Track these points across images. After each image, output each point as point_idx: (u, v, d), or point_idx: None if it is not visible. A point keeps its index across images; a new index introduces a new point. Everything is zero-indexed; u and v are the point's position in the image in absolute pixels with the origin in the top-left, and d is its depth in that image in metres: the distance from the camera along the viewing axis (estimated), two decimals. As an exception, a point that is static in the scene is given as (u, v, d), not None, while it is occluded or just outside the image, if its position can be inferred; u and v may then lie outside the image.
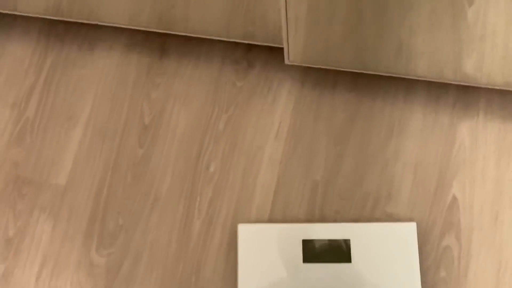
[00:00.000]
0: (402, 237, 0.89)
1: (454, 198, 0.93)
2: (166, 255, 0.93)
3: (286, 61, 0.93)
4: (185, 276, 0.91)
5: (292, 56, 0.91)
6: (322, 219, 0.93)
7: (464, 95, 0.98)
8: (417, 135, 0.96)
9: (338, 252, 0.89)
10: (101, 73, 1.02)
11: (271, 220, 0.94)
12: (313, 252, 0.90)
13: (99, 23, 0.96)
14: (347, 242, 0.89)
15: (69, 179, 0.97)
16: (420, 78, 0.96)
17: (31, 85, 1.02)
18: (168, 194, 0.96)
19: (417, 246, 0.89)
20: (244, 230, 0.91)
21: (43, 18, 1.00)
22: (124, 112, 1.00)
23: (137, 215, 0.95)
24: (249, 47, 1.01)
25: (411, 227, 0.90)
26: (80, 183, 0.97)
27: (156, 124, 0.99)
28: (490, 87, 0.93)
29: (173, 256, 0.92)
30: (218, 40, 0.98)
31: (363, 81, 0.99)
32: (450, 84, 0.96)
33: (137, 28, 0.98)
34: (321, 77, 1.00)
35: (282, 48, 0.91)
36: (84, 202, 0.96)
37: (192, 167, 0.96)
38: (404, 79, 0.96)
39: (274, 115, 0.98)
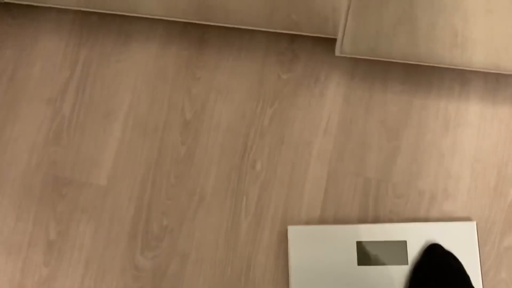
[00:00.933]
0: (461, 237, 0.85)
1: (516, 196, 0.88)
2: (214, 256, 0.89)
3: (337, 53, 0.87)
4: (234, 277, 0.88)
5: (344, 47, 0.86)
6: (376, 219, 0.89)
7: (525, 85, 0.92)
8: (474, 129, 0.91)
9: (394, 254, 0.85)
10: (139, 67, 0.97)
11: (322, 220, 0.89)
12: (368, 254, 0.86)
13: (134, 15, 0.91)
14: (403, 244, 0.85)
15: (110, 179, 0.93)
16: (476, 69, 0.91)
17: (66, 80, 0.97)
18: (213, 193, 0.92)
19: (477, 246, 0.85)
20: (295, 232, 0.87)
21: (76, 10, 0.95)
22: (164, 107, 0.95)
23: (182, 215, 0.92)
24: (293, 38, 0.95)
25: (471, 226, 0.86)
26: (122, 183, 0.93)
27: (198, 119, 0.94)
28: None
29: (221, 257, 0.89)
30: (260, 30, 0.93)
31: (416, 72, 0.93)
32: (509, 75, 0.90)
33: (174, 19, 0.92)
34: (371, 69, 0.94)
35: (327, 39, 0.85)
36: (127, 203, 0.92)
37: (237, 165, 0.92)
38: (459, 70, 0.90)
39: (322, 109, 0.93)
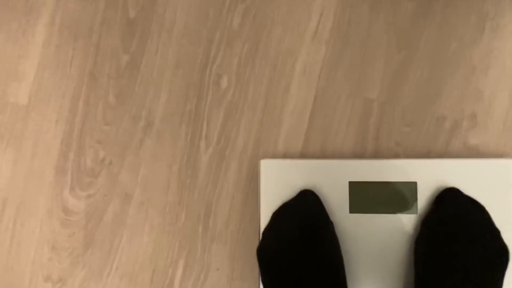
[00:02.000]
0: (490, 180, 0.62)
1: None
2: (164, 199, 0.68)
3: None
4: (188, 226, 0.68)
5: None
6: (377, 154, 0.66)
7: None
8: (518, 35, 0.66)
9: (400, 199, 0.64)
10: None
11: (305, 154, 0.67)
12: (364, 199, 0.64)
13: None
14: (412, 186, 0.63)
15: (31, 97, 0.71)
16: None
17: (-26, -34, 0.73)
18: (164, 117, 0.69)
19: (513, 192, 0.62)
20: (269, 168, 0.66)
21: None
22: (100, 1, 0.71)
23: (124, 145, 0.70)
24: None
25: (505, 165, 0.63)
26: (47, 102, 0.71)
27: (145, 19, 0.70)
28: None
29: (173, 200, 0.68)
30: None
31: (443, -46, 0.67)
32: None
33: None
34: (381, -51, 0.68)
35: None
36: (53, 127, 0.71)
37: (197, 81, 0.69)
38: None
39: (311, 5, 0.68)
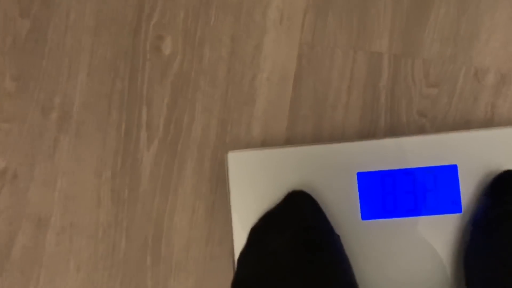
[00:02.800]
0: None
1: None
2: (94, 220, 0.47)
3: None
4: (133, 253, 0.46)
5: None
6: (395, 131, 0.46)
7: None
8: None
9: (434, 193, 0.43)
10: None
11: (292, 140, 0.46)
12: (382, 198, 0.43)
13: None
14: (450, 172, 0.43)
15: None
16: None
17: None
18: (86, 103, 0.48)
19: None
20: (240, 163, 0.45)
21: None
22: None
23: (32, 150, 0.48)
24: None
25: None
26: None
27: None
28: None
29: (106, 219, 0.47)
30: None
31: None
32: None
33: None
34: None
35: None
36: None
37: (128, 48, 0.48)
38: None
39: None
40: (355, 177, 0.44)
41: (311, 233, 0.41)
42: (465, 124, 0.45)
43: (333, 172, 0.44)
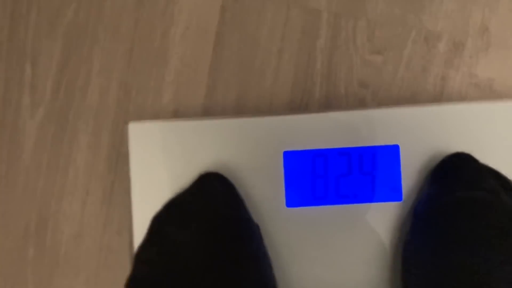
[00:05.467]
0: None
1: None
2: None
3: None
4: (10, 244, 0.37)
5: None
6: (330, 103, 0.38)
7: None
8: None
9: (371, 177, 0.37)
10: None
11: (210, 111, 0.38)
12: (311, 181, 0.36)
13: None
14: (391, 153, 0.36)
15: None
16: None
17: None
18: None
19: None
20: (144, 136, 0.37)
21: None
22: None
23: None
24: None
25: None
26: None
27: None
28: None
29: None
30: None
31: None
32: None
33: None
34: None
35: None
36: None
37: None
38: None
39: None
40: (281, 156, 0.37)
41: (225, 224, 0.34)
42: (411, 98, 0.39)
43: (255, 151, 0.37)
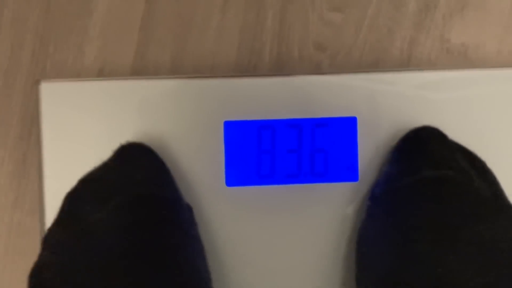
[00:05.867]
0: (492, 107, 0.32)
1: None
2: None
3: None
4: None
5: None
6: (281, 67, 0.33)
7: None
8: None
9: (323, 154, 0.31)
10: None
11: (140, 71, 0.32)
12: (256, 157, 0.31)
13: None
14: (348, 126, 0.31)
15: None
16: None
17: None
18: None
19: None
20: (59, 98, 0.31)
21: None
22: None
23: None
24: None
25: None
26: None
27: None
28: None
29: None
30: None
31: None
32: None
33: None
34: None
35: None
36: None
37: None
38: None
39: None
40: (221, 127, 0.32)
41: (148, 204, 0.29)
42: (373, 64, 0.34)
43: (191, 119, 0.32)
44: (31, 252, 0.33)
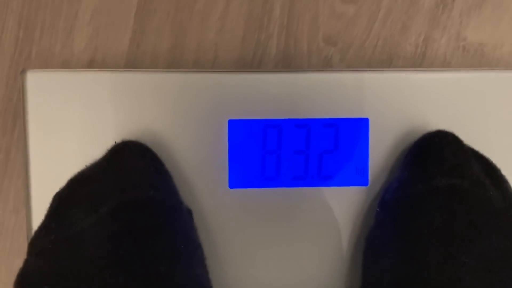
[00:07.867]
0: (506, 109, 0.30)
1: None
2: None
3: None
4: None
5: None
6: (288, 63, 0.31)
7: None
8: None
9: (333, 157, 0.29)
10: None
11: (136, 63, 0.30)
12: (261, 158, 0.29)
13: None
14: (359, 128, 0.29)
15: None
16: None
17: None
18: None
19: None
20: (46, 89, 0.28)
21: None
22: None
23: None
24: None
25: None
26: None
27: None
28: None
29: None
30: None
31: None
32: None
33: None
34: None
35: None
36: None
37: None
38: None
39: None
40: (226, 126, 0.29)
41: (145, 209, 0.26)
42: (386, 61, 0.31)
43: (193, 117, 0.29)
44: (15, 253, 0.30)
